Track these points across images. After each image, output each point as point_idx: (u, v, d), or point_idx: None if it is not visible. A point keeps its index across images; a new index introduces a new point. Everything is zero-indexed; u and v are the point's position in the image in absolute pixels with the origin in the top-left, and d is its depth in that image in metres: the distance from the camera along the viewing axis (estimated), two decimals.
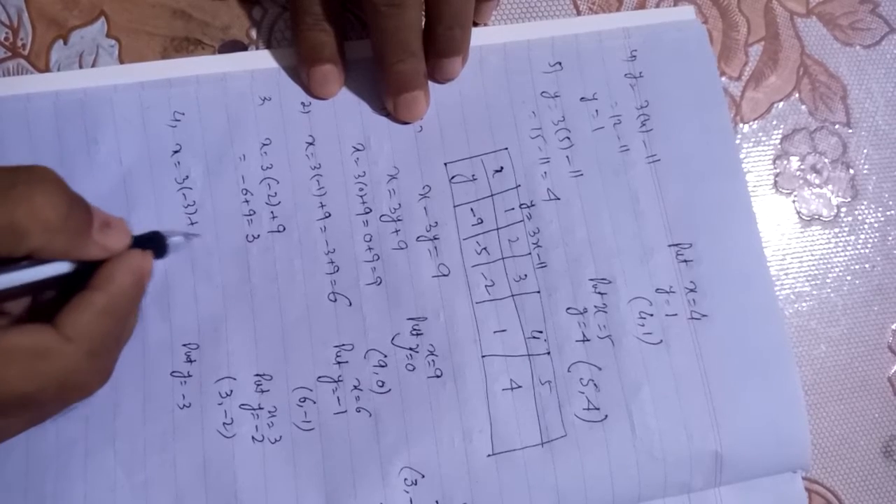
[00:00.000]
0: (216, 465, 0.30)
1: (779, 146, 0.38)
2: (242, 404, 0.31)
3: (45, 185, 0.24)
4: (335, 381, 0.32)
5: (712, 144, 0.36)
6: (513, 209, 0.34)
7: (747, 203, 0.35)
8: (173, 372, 0.31)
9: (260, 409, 0.31)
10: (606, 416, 0.32)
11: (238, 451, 0.31)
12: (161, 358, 0.31)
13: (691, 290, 0.34)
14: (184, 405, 0.31)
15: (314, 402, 0.31)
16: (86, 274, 0.26)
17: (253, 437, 0.31)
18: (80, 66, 0.34)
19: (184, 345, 0.31)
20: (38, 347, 0.24)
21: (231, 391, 0.31)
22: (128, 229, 0.28)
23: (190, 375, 0.31)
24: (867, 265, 0.38)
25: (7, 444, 0.30)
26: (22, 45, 0.34)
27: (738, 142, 0.38)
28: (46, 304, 0.27)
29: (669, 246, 0.34)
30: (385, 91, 0.34)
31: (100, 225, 0.26)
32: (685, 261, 0.34)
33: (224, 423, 0.31)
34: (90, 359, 0.25)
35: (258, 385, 0.31)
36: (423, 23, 0.33)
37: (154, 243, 0.29)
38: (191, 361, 0.31)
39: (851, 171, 0.39)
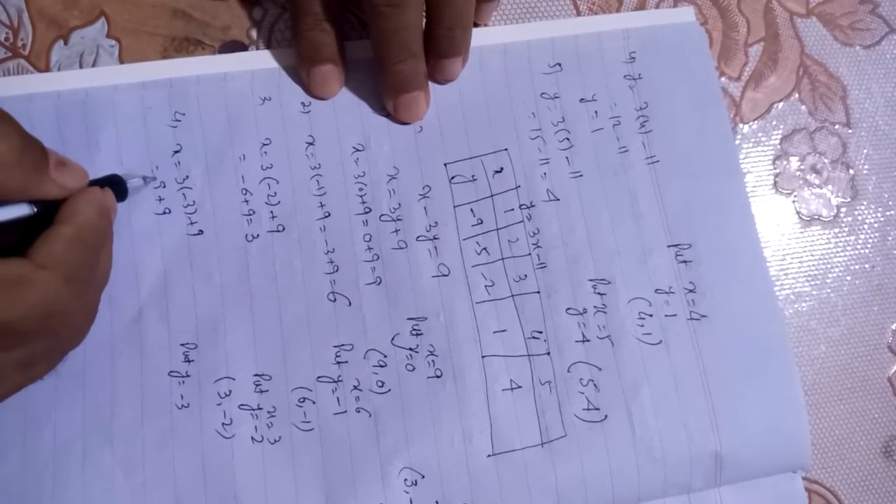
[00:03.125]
0: (215, 466, 0.30)
1: (778, 146, 0.38)
2: (241, 404, 0.31)
3: None
4: (335, 382, 0.32)
5: (711, 145, 0.36)
6: (512, 210, 0.34)
7: (746, 204, 0.35)
8: (171, 372, 0.31)
9: (259, 409, 0.31)
10: (606, 416, 0.32)
11: (237, 451, 0.31)
12: (159, 358, 0.31)
13: (690, 291, 0.34)
14: (182, 405, 0.31)
15: (314, 403, 0.31)
16: (48, 218, 0.26)
17: (252, 438, 0.31)
18: (81, 67, 0.34)
19: (182, 344, 0.31)
20: (13, 275, 0.24)
21: (230, 391, 0.31)
22: (83, 169, 0.28)
23: (188, 375, 0.31)
24: (867, 265, 0.38)
25: (4, 445, 0.30)
26: (22, 46, 0.34)
27: (737, 142, 0.38)
28: (13, 248, 0.27)
29: (669, 246, 0.34)
30: (385, 91, 0.34)
31: (56, 164, 0.26)
32: (684, 261, 0.34)
33: (223, 424, 0.31)
34: (68, 284, 0.25)
35: (257, 385, 0.31)
36: (424, 23, 0.33)
37: (114, 185, 0.29)
38: (189, 361, 0.31)
39: (851, 172, 0.39)
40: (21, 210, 0.26)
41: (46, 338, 0.27)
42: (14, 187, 0.25)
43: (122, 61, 0.34)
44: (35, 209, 0.26)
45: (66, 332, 0.27)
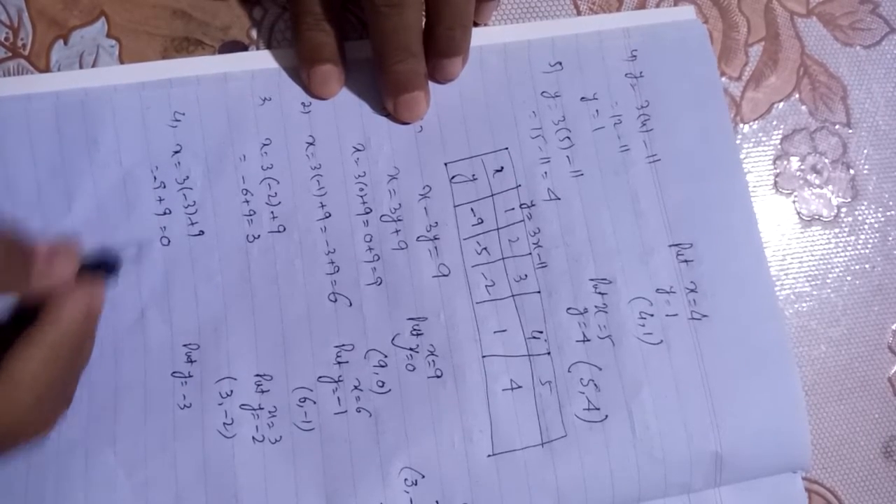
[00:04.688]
0: (216, 466, 0.30)
1: (779, 146, 0.38)
2: (243, 404, 0.31)
3: None
4: (335, 382, 0.32)
5: (712, 144, 0.36)
6: (513, 209, 0.34)
7: (748, 203, 0.35)
8: (174, 372, 0.31)
9: (260, 409, 0.31)
10: (606, 416, 0.32)
11: (238, 451, 0.31)
12: (162, 358, 0.31)
13: (692, 291, 0.34)
14: (184, 405, 0.31)
15: (314, 403, 0.31)
16: (35, 307, 0.25)
17: (253, 438, 0.31)
18: (81, 67, 0.34)
19: (184, 345, 0.31)
20: None
21: (231, 391, 0.31)
22: (74, 254, 0.27)
23: (191, 376, 0.31)
24: (867, 265, 0.38)
25: None
26: (22, 46, 0.34)
27: (738, 142, 0.38)
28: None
29: (670, 246, 0.34)
30: (385, 91, 0.34)
31: (45, 254, 0.25)
32: (685, 261, 0.34)
33: (224, 424, 0.31)
34: (38, 403, 0.24)
35: (258, 385, 0.31)
36: (424, 23, 0.33)
37: (105, 261, 0.29)
38: (191, 362, 0.31)
39: (851, 172, 0.39)
40: (3, 301, 0.25)
41: (10, 445, 0.26)
42: None
43: (122, 61, 0.34)
44: (16, 302, 0.25)
45: (31, 436, 0.26)
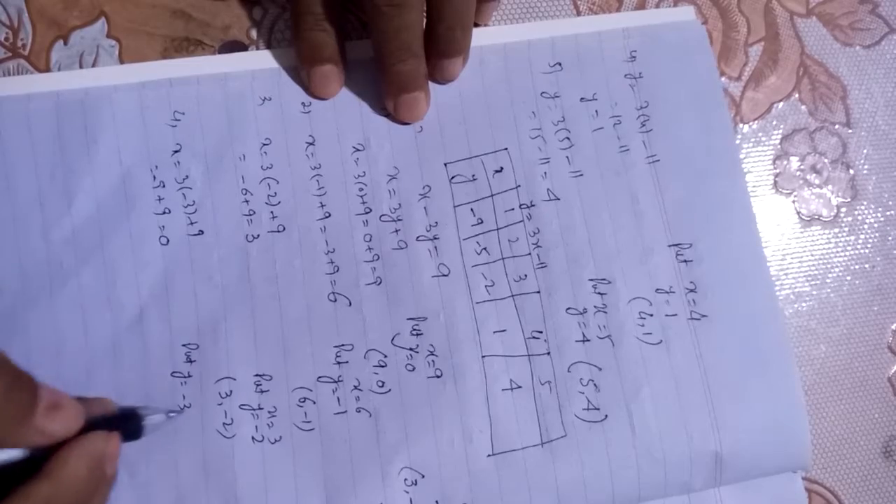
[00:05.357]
0: (216, 466, 0.30)
1: (779, 146, 0.38)
2: (242, 404, 0.31)
3: None
4: (335, 382, 0.32)
5: (712, 144, 0.36)
6: (513, 209, 0.34)
7: (747, 203, 0.35)
8: (174, 372, 0.31)
9: (260, 409, 0.31)
10: (606, 416, 0.32)
11: (238, 451, 0.31)
12: (161, 358, 0.31)
13: (691, 291, 0.34)
14: (184, 405, 0.31)
15: (314, 403, 0.31)
16: (45, 458, 0.23)
17: (253, 438, 0.31)
18: (81, 67, 0.34)
19: (183, 345, 0.31)
20: None
21: (231, 391, 0.31)
22: (80, 411, 0.24)
23: (190, 376, 0.31)
24: (867, 265, 0.38)
25: None
26: (22, 46, 0.34)
27: (738, 142, 0.38)
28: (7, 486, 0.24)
29: (669, 246, 0.34)
30: (385, 91, 0.34)
31: (47, 407, 0.23)
32: (685, 261, 0.34)
33: (224, 424, 0.31)
34: None
35: (258, 385, 0.31)
36: (424, 23, 0.33)
37: (127, 423, 0.26)
38: (191, 362, 0.31)
39: (851, 172, 0.39)
40: (11, 454, 0.23)
41: None
42: None
43: (122, 61, 0.34)
44: (26, 453, 0.23)
45: None
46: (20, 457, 0.23)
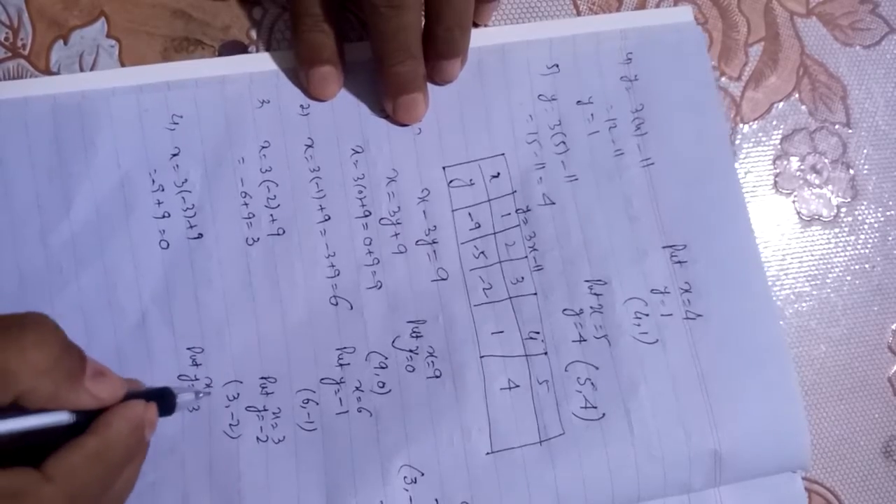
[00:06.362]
0: (222, 465, 0.31)
1: (779, 146, 0.38)
2: (248, 406, 0.31)
3: (37, 329, 0.24)
4: (337, 383, 0.32)
5: (707, 147, 0.35)
6: (509, 214, 0.34)
7: (741, 204, 0.35)
8: (180, 375, 0.31)
9: (265, 410, 0.31)
10: (604, 414, 0.32)
11: (243, 451, 0.31)
12: (167, 362, 0.31)
13: (686, 291, 0.34)
14: (192, 408, 0.31)
15: (317, 404, 0.32)
16: (87, 426, 0.25)
17: (257, 438, 0.31)
18: (81, 67, 0.34)
19: (188, 348, 0.32)
20: (13, 487, 0.23)
21: (238, 394, 0.31)
22: (122, 381, 0.27)
23: (197, 379, 0.31)
24: (867, 265, 0.38)
25: None
26: (22, 46, 0.34)
27: (737, 142, 0.38)
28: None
29: (664, 247, 0.34)
30: (384, 93, 0.34)
31: (93, 373, 0.26)
32: (679, 262, 0.34)
33: (230, 425, 0.31)
34: (71, 502, 0.24)
35: (263, 388, 0.32)
36: (423, 24, 0.33)
37: (162, 399, 0.28)
38: (197, 365, 0.31)
39: (851, 172, 0.39)
40: (60, 417, 0.25)
41: None
42: (46, 395, 0.24)
43: (121, 61, 0.34)
44: (75, 417, 0.25)
45: None
46: (69, 421, 0.25)
